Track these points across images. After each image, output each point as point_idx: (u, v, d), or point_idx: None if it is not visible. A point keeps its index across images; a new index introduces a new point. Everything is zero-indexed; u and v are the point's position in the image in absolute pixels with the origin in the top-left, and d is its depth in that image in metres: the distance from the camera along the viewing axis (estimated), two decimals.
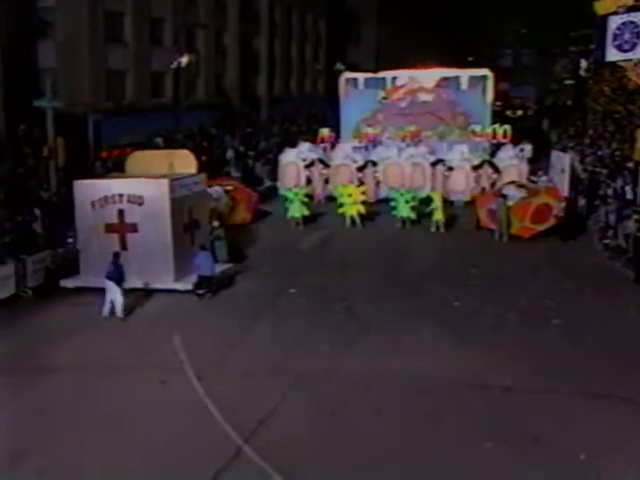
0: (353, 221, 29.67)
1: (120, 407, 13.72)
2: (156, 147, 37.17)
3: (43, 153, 28.52)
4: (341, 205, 30.12)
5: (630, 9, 40.58)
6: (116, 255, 19.09)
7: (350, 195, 29.99)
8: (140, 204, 20.68)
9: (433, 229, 28.53)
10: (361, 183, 33.04)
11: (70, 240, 22.21)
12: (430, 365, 15.38)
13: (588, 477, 11.24)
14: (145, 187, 20.90)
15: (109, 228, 20.81)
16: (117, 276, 18.54)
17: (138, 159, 24.70)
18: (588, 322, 17.95)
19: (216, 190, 29.39)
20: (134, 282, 19.76)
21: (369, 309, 19.14)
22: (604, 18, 42.36)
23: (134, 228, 20.70)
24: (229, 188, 30.03)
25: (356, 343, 16.63)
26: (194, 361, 15.65)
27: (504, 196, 27.33)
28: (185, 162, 23.86)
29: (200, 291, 20.15)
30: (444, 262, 24.19)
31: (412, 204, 29.29)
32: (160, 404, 13.91)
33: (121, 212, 20.76)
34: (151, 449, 12.23)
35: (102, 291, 19.01)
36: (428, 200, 29.70)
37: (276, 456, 11.70)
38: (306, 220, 29.76)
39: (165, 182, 20.81)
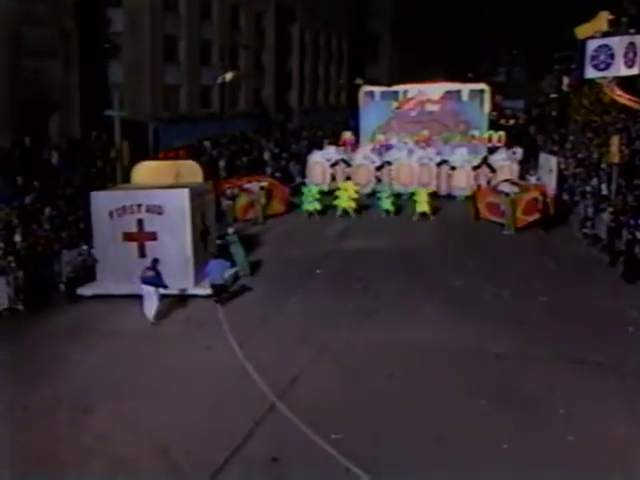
0: (346, 212, 29.15)
1: (173, 366, 13.80)
2: (205, 149, 37.23)
3: (111, 155, 28.67)
4: (336, 198, 29.65)
5: (605, 34, 40.65)
6: (155, 261, 16.90)
7: (346, 190, 29.62)
8: (160, 213, 18.40)
9: (415, 218, 28.12)
10: (378, 180, 33.01)
11: (85, 247, 19.58)
12: (434, 335, 15.29)
13: (565, 428, 11.18)
14: (165, 197, 18.62)
15: (127, 237, 18.51)
16: (156, 281, 16.53)
17: (144, 169, 21.61)
18: (568, 299, 17.76)
19: (254, 186, 29.39)
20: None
21: (383, 287, 18.94)
22: (583, 42, 42.14)
23: (153, 236, 18.44)
24: (265, 184, 29.75)
25: (371, 316, 16.55)
26: (235, 331, 15.69)
27: (507, 194, 26.92)
28: (191, 172, 21.19)
29: (216, 298, 17.81)
30: (448, 247, 23.83)
31: (392, 200, 29.13)
32: (206, 365, 13.97)
33: (140, 221, 18.44)
34: (199, 401, 12.30)
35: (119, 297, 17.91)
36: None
37: (304, 410, 11.77)
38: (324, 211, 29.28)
39: (186, 192, 18.57)
